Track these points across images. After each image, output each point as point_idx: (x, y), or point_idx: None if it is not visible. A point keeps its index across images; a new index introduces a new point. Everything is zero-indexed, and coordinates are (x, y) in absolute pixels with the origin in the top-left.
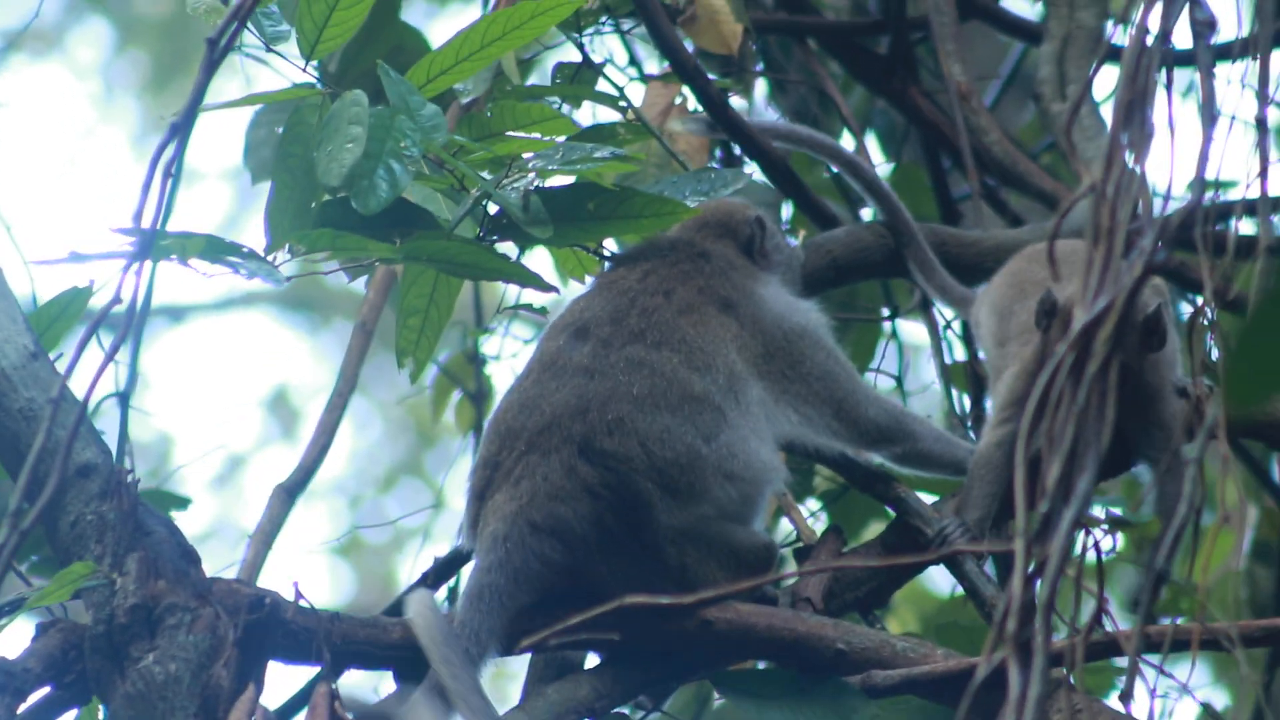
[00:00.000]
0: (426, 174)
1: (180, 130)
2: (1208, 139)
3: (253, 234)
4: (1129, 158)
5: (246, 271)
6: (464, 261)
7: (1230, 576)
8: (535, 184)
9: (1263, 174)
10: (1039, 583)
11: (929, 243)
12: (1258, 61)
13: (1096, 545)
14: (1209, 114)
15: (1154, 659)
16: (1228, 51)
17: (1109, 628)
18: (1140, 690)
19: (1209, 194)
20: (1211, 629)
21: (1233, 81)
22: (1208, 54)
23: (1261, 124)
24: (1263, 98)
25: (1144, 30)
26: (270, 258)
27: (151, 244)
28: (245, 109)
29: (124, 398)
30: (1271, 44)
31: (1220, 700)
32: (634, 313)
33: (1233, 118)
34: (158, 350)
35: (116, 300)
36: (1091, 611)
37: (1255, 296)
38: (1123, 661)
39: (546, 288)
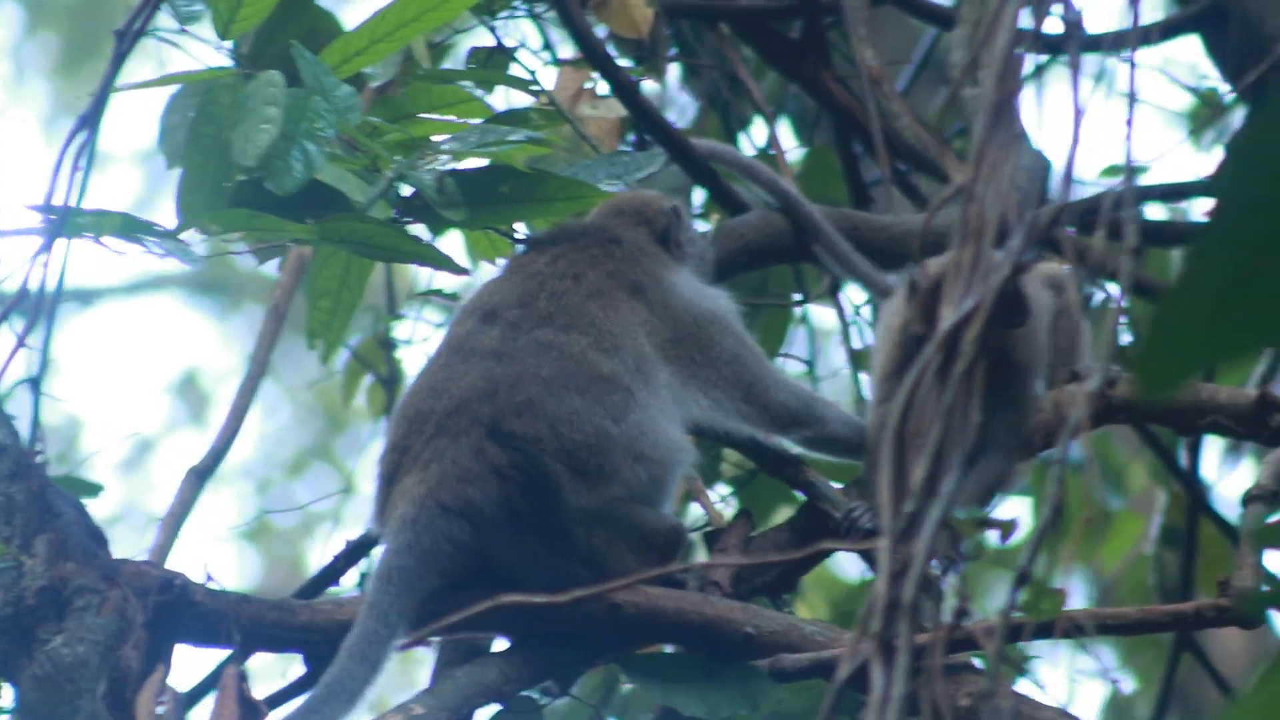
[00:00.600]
0: (340, 155)
1: (91, 119)
2: (1075, 139)
3: (164, 216)
4: (999, 157)
5: (161, 251)
6: (378, 243)
7: (1139, 561)
8: (449, 166)
9: (1129, 175)
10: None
11: (841, 228)
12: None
13: (958, 545)
14: (1077, 112)
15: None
16: (1122, 41)
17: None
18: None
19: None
20: (1071, 616)
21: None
22: (1077, 52)
23: (1127, 126)
24: (1130, 97)
25: (1014, 30)
26: (183, 238)
27: (65, 225)
28: (160, 91)
29: (35, 383)
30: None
31: (1127, 684)
32: (543, 296)
33: (1079, 112)
34: (67, 334)
35: (25, 292)
36: (954, 609)
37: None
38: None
39: (460, 270)
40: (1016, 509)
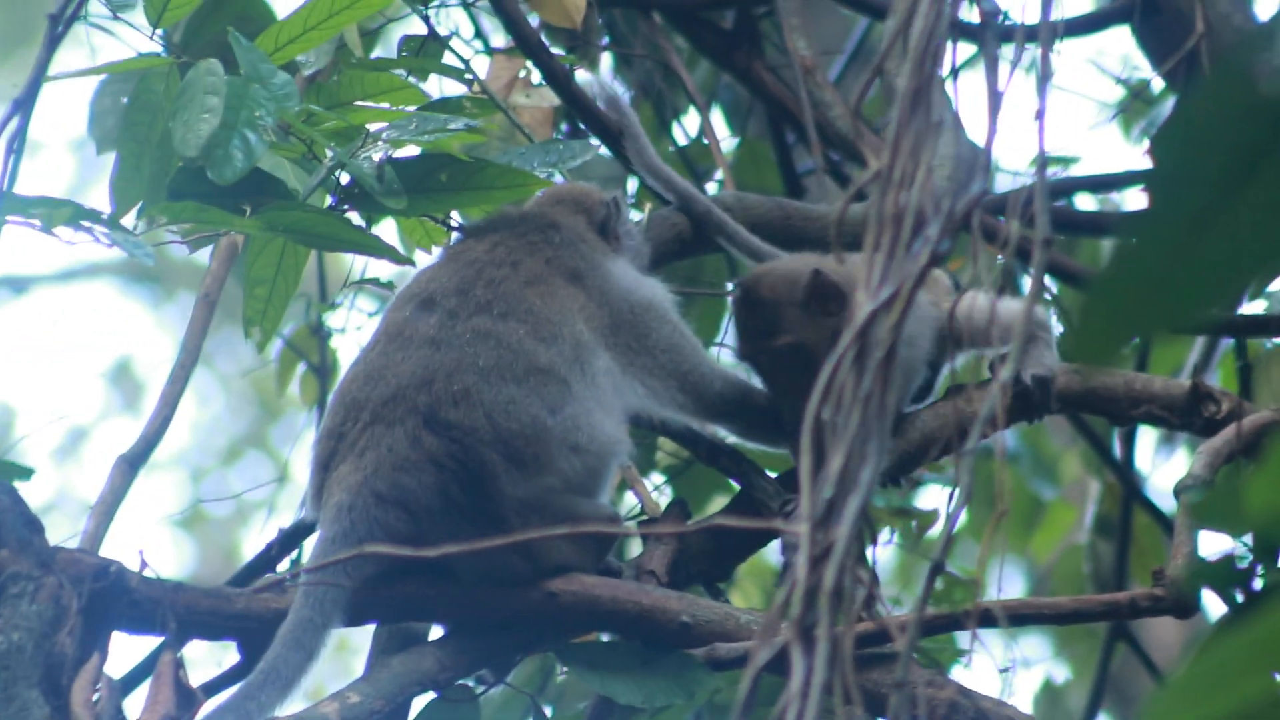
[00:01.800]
0: (278, 143)
1: (22, 105)
2: (992, 128)
3: (98, 203)
4: (914, 144)
5: (109, 241)
6: (319, 232)
7: (1073, 550)
8: (388, 154)
9: (1040, 170)
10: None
11: (774, 217)
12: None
13: (873, 534)
14: (994, 101)
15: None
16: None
17: (884, 612)
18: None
19: (990, 181)
20: (987, 606)
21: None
22: (994, 41)
23: (1039, 118)
24: (1041, 90)
25: (934, 15)
26: (133, 229)
27: (7, 208)
28: (90, 78)
29: None
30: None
31: (1060, 674)
32: (480, 284)
33: (996, 97)
34: None
35: None
36: (863, 599)
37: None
38: (964, 639)
39: (401, 259)
40: (939, 499)
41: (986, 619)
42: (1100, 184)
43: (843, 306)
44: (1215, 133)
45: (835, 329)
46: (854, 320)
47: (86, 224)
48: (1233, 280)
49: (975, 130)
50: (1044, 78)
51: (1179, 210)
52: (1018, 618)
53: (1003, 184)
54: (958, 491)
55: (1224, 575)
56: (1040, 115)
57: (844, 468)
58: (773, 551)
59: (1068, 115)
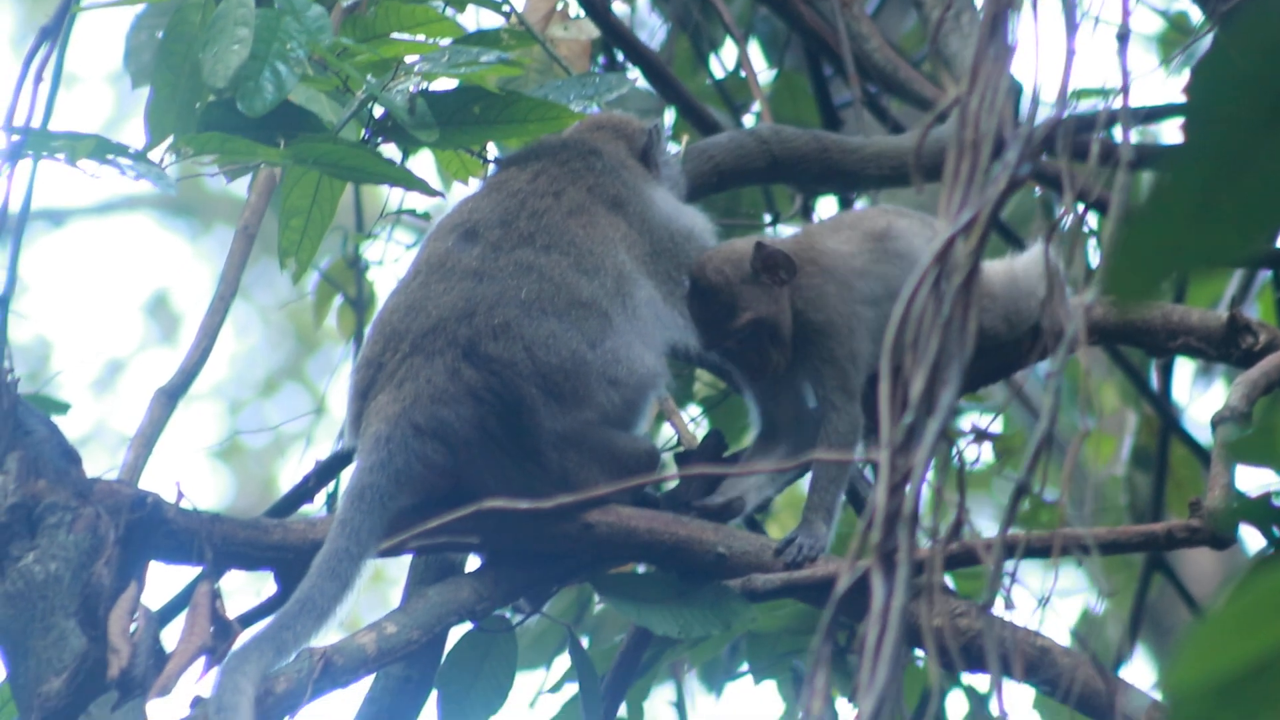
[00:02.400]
0: (311, 76)
1: (52, 33)
2: (1071, 50)
3: (132, 136)
4: (995, 69)
5: (135, 174)
6: (349, 165)
7: (1111, 481)
8: (421, 87)
9: (1124, 90)
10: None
11: (812, 149)
12: None
13: (959, 457)
14: (1071, 24)
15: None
16: None
17: (974, 535)
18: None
19: (1074, 105)
20: (1070, 535)
21: None
22: None
23: (1122, 40)
24: (1124, 9)
25: None
26: (153, 158)
27: (32, 143)
28: (127, 11)
29: (3, 301)
30: None
31: (1097, 604)
32: (523, 215)
33: (1098, 20)
34: (37, 254)
35: None
36: (952, 521)
37: (1117, 200)
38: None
39: (431, 192)
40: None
41: (1069, 547)
42: (1138, 116)
43: (792, 273)
44: (1254, 69)
45: (789, 299)
46: (936, 244)
47: (111, 157)
48: (1270, 216)
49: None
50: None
51: (1216, 146)
52: (1049, 550)
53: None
54: (1045, 411)
55: (1262, 512)
56: (1123, 38)
57: (924, 392)
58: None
59: (1105, 47)
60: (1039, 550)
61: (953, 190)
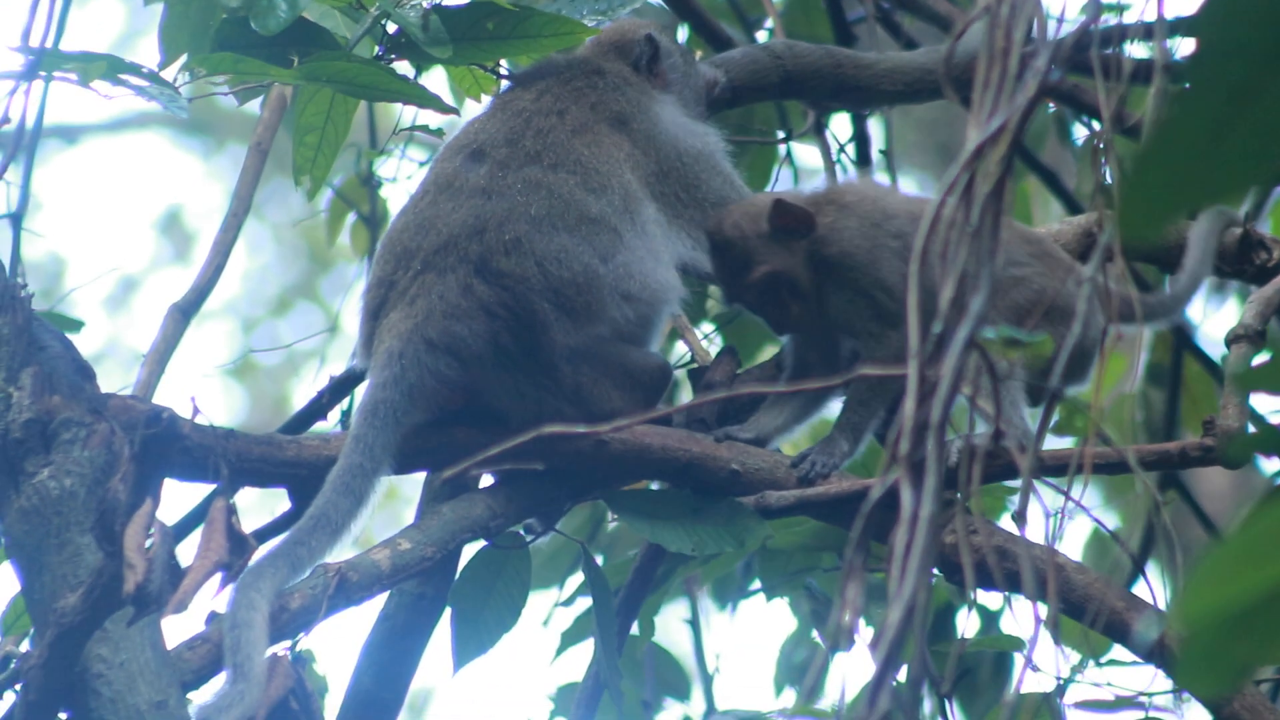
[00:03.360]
0: None
1: None
2: None
3: (144, 54)
4: None
5: (147, 95)
6: (363, 82)
7: (1125, 398)
8: (434, 3)
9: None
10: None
11: (826, 65)
12: None
13: (991, 365)
14: None
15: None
16: None
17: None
18: (1032, 510)
19: (1104, 16)
20: (1104, 453)
21: None
22: None
23: None
24: None
25: None
26: (166, 76)
27: (43, 62)
28: None
29: (16, 217)
30: None
31: (1110, 522)
32: (529, 134)
33: None
34: (50, 171)
35: (5, 120)
36: (989, 432)
37: (1150, 121)
38: (1015, 483)
39: (445, 109)
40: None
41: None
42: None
43: (810, 229)
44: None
45: (812, 256)
46: (964, 151)
47: (124, 77)
48: (1278, 151)
49: None
50: None
51: (1224, 81)
52: (1063, 467)
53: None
54: (1076, 322)
55: (1275, 440)
56: None
57: (954, 301)
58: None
59: None
60: (1061, 467)
61: (982, 98)
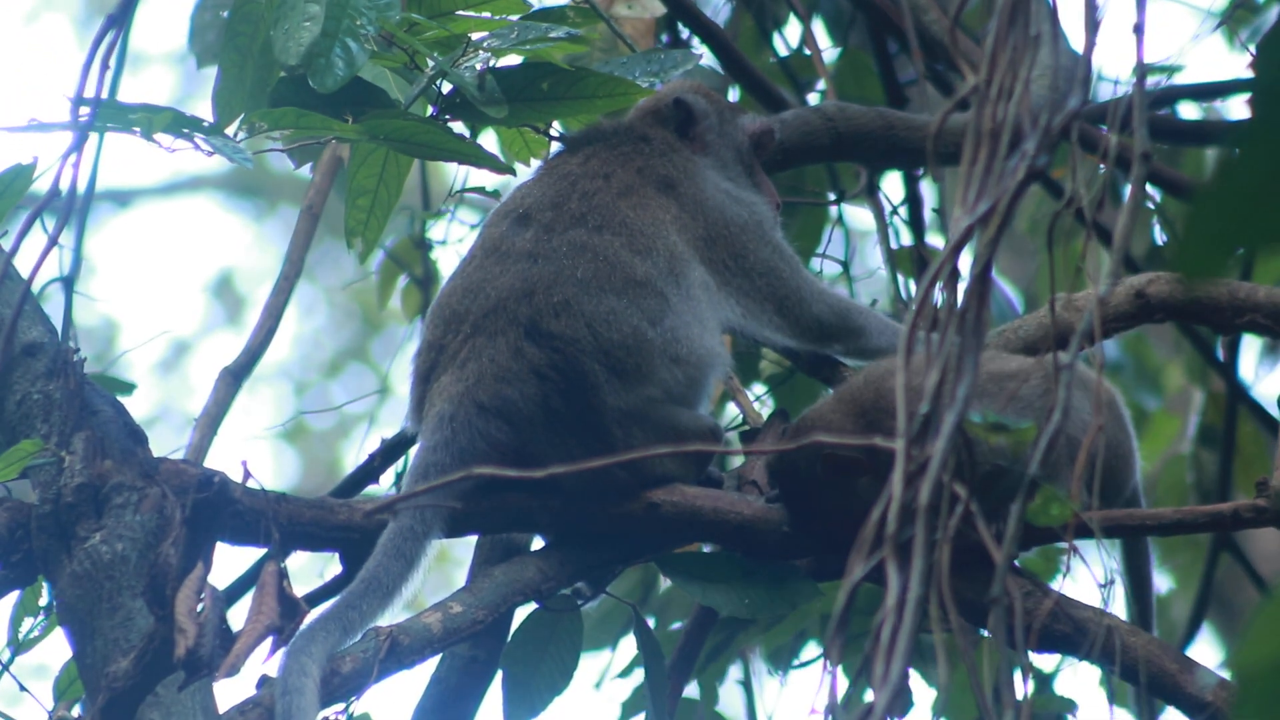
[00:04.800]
0: (379, 53)
1: (119, 19)
2: (1090, 44)
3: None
4: (1012, 60)
5: (210, 148)
6: (421, 141)
7: (1176, 460)
8: (489, 63)
9: (1140, 80)
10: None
11: (877, 126)
12: None
13: (972, 450)
14: (1091, 19)
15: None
16: None
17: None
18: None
19: (1092, 95)
20: (1157, 514)
21: None
22: None
23: (1138, 32)
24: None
25: None
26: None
27: (109, 116)
28: None
29: (68, 281)
30: None
31: (1163, 584)
32: (575, 197)
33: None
34: (103, 235)
35: (56, 186)
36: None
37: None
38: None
39: (501, 168)
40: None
41: (1083, 531)
42: (1203, 92)
43: (862, 474)
44: None
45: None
46: (954, 233)
47: (186, 131)
48: None
49: (1075, 39)
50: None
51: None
52: (1119, 529)
53: (1105, 93)
54: (1058, 405)
55: None
56: (1139, 27)
57: (939, 384)
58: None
59: (1171, 22)
60: (1048, 537)
61: (970, 179)
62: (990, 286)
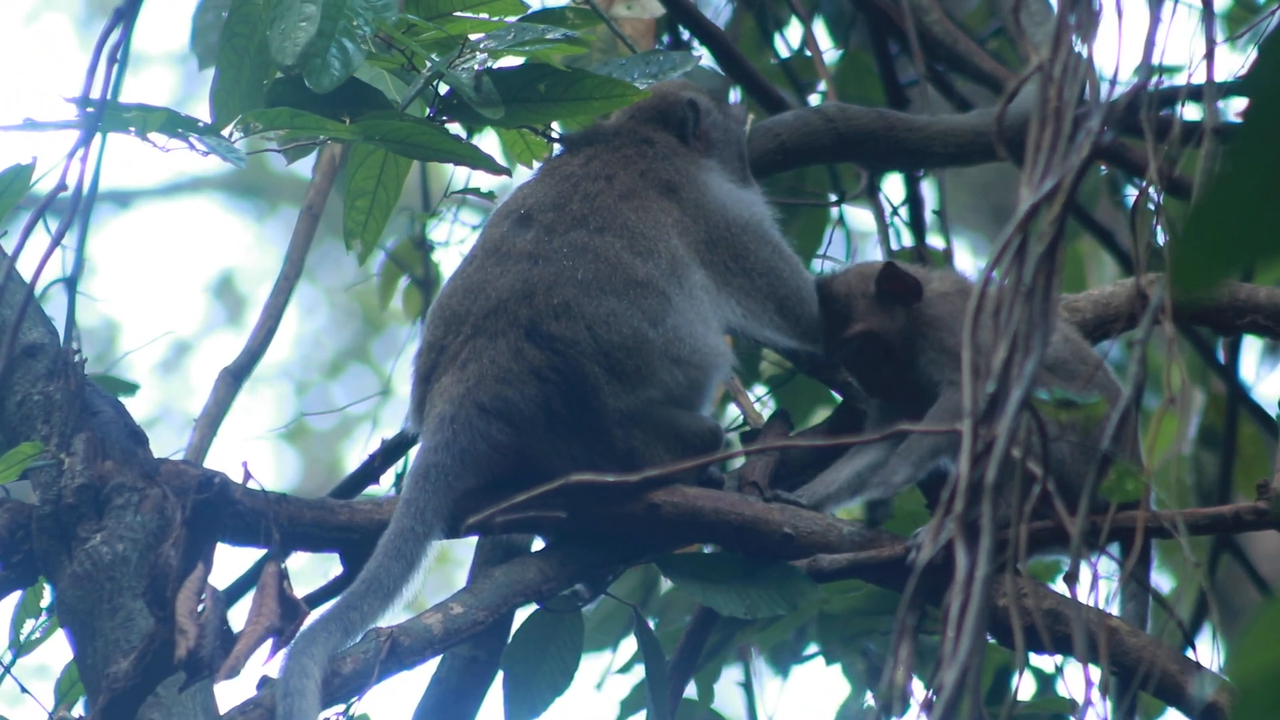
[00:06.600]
0: (376, 54)
1: (125, 15)
2: (1155, 20)
3: (199, 118)
4: (1076, 39)
5: (205, 148)
6: (417, 142)
7: (1175, 461)
8: (486, 64)
9: (1209, 57)
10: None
11: (878, 127)
12: None
13: (1042, 427)
14: None
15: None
16: None
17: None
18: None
19: (1156, 78)
20: (1157, 515)
21: None
22: None
23: (1207, 6)
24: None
25: None
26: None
27: (104, 116)
28: None
29: (70, 282)
30: None
31: (1164, 585)
32: (576, 198)
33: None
34: (104, 236)
35: (62, 186)
36: (1036, 495)
37: (1201, 179)
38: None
39: (498, 169)
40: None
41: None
42: (1222, 91)
43: (916, 297)
44: None
45: (909, 320)
46: (1017, 212)
47: (181, 131)
48: None
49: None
50: None
51: (1275, 138)
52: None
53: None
54: (1129, 380)
55: None
56: (1207, 7)
57: (1006, 361)
58: None
59: (1174, 23)
60: (1116, 532)
61: (1035, 158)
62: (1059, 264)
